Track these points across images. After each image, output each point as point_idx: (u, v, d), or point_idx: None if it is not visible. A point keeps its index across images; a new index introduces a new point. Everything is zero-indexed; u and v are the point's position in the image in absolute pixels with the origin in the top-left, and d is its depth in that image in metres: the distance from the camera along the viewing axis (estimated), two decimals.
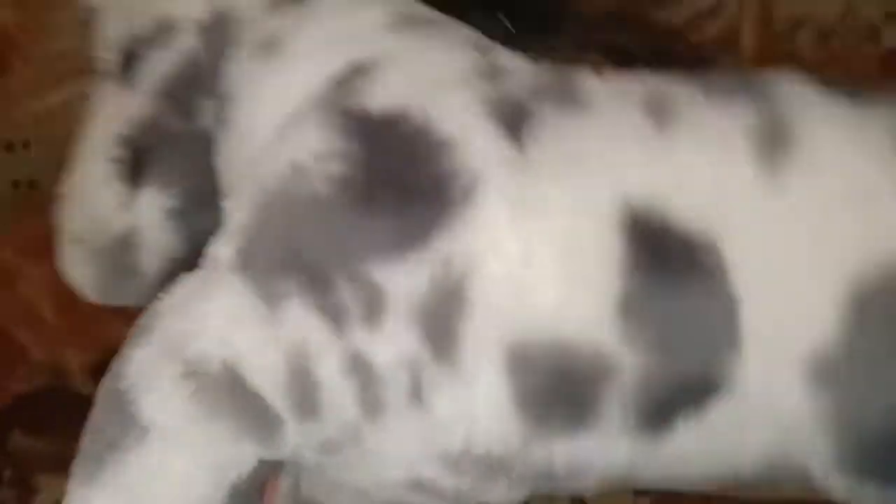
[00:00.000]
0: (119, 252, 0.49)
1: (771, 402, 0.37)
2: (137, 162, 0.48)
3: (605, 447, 0.38)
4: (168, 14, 0.47)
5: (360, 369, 0.38)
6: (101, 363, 1.00)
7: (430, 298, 0.37)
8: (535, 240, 0.37)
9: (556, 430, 0.38)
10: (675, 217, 0.36)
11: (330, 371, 0.38)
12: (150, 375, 0.39)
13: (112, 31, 0.49)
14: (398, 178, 0.39)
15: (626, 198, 0.36)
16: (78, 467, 0.40)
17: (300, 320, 0.38)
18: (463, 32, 0.44)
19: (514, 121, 0.39)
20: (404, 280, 0.37)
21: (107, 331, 0.90)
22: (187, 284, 0.41)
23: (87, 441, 0.40)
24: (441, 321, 0.37)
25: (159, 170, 0.47)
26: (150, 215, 0.47)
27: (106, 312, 0.97)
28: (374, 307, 0.37)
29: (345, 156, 0.39)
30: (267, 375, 0.38)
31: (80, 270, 0.50)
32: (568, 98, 0.39)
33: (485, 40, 0.44)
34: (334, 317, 0.38)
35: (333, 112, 0.40)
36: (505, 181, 0.38)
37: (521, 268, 0.37)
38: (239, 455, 0.39)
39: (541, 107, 0.39)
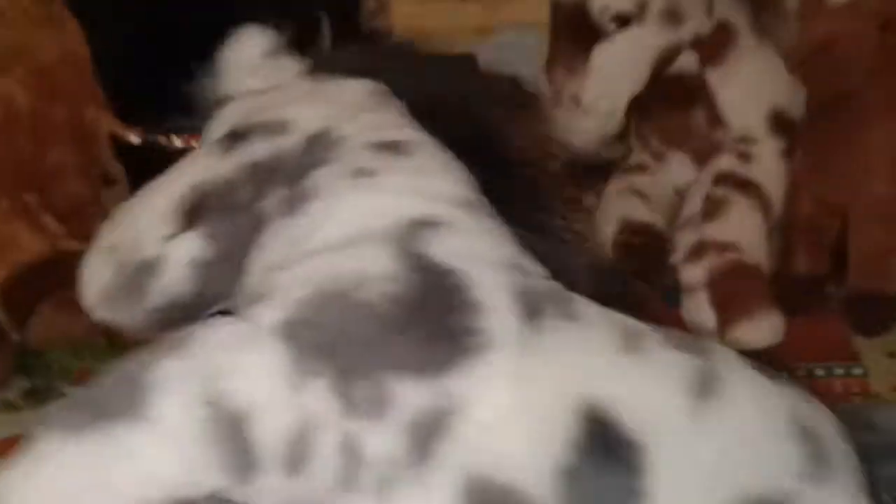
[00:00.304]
0: (140, 273, 0.55)
1: None
2: (197, 209, 0.55)
3: None
4: (288, 119, 0.57)
5: (351, 451, 0.46)
6: (12, 281, 0.87)
7: (425, 417, 0.45)
8: (518, 403, 0.46)
9: None
10: (621, 420, 0.46)
11: (327, 444, 0.46)
12: (177, 384, 0.46)
13: (233, 116, 0.59)
14: (436, 317, 0.47)
15: (589, 394, 0.46)
16: (62, 413, 0.47)
17: (321, 398, 0.46)
18: (506, 230, 0.54)
19: (531, 310, 0.48)
20: (411, 397, 0.46)
21: (17, 250, 0.81)
22: (232, 328, 0.48)
23: (84, 398, 0.47)
24: (425, 437, 0.45)
25: (209, 223, 0.55)
26: (181, 256, 0.54)
27: (20, 230, 0.85)
28: (380, 408, 0.46)
29: (401, 283, 0.48)
30: (273, 431, 0.45)
31: (97, 273, 0.57)
32: (566, 310, 0.49)
33: (518, 242, 0.54)
34: (348, 404, 0.46)
35: (403, 247, 0.49)
36: (512, 351, 0.47)
37: (501, 420, 0.46)
38: (204, 481, 0.46)
39: (550, 308, 0.49)
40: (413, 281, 0.48)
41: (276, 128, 0.56)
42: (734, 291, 0.86)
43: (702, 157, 0.97)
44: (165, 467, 0.45)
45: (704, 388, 0.47)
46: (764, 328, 0.84)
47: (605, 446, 0.46)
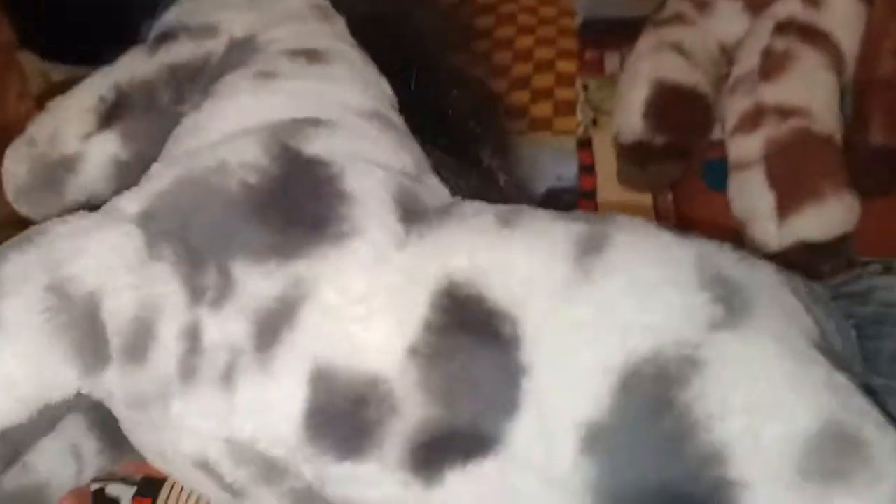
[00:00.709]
0: (58, 168, 0.57)
1: (545, 465, 0.41)
2: (117, 108, 0.57)
3: (378, 482, 0.43)
4: (218, 23, 0.58)
5: (192, 337, 0.45)
6: None
7: (271, 304, 0.44)
8: (372, 288, 0.44)
9: (333, 451, 0.43)
10: (488, 293, 0.43)
11: (168, 331, 0.45)
12: (21, 278, 0.45)
13: (169, 18, 0.60)
14: (298, 204, 0.46)
15: (452, 272, 0.44)
16: None
17: (165, 283, 0.45)
18: (415, 148, 0.53)
19: (412, 213, 0.47)
20: (258, 284, 0.45)
21: None
22: (83, 218, 0.48)
23: None
24: (271, 324, 0.44)
25: (129, 124, 0.57)
26: (100, 154, 0.56)
27: None
28: (224, 294, 0.45)
29: (264, 172, 0.47)
30: (116, 315, 0.45)
31: (17, 166, 0.58)
32: (447, 211, 0.48)
33: (425, 160, 0.53)
34: (192, 291, 0.45)
35: (275, 140, 0.48)
36: (376, 241, 0.45)
37: (351, 306, 0.44)
38: (62, 380, 0.45)
39: (431, 212, 0.47)
40: (277, 170, 0.46)
41: (204, 31, 0.57)
42: (799, 167, 0.69)
43: (757, 2, 0.78)
44: (18, 370, 0.44)
45: (588, 249, 0.43)
46: (835, 214, 0.68)
47: (466, 323, 0.42)
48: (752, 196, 0.71)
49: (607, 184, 0.83)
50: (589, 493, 0.40)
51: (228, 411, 0.44)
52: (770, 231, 0.69)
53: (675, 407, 0.39)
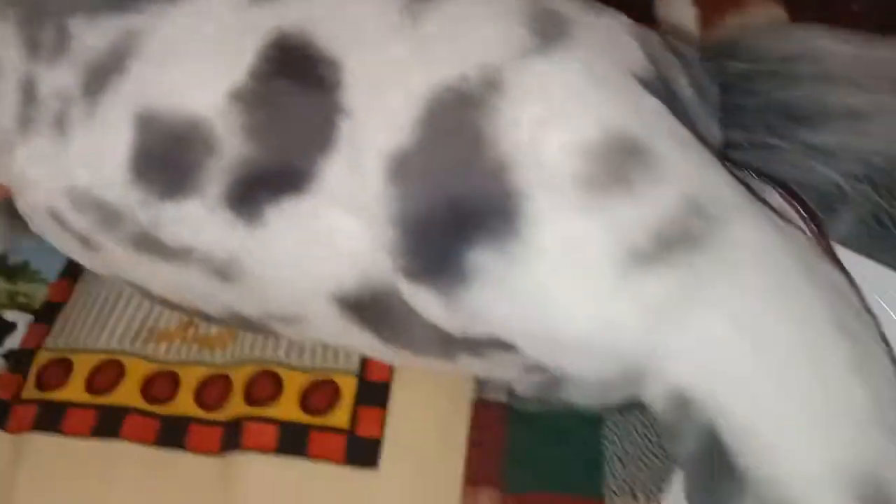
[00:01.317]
0: None
1: (356, 199, 0.43)
2: None
3: (204, 222, 0.45)
4: None
5: (27, 90, 0.47)
6: None
7: (102, 56, 0.46)
8: (201, 40, 0.45)
9: (159, 191, 0.45)
10: (317, 41, 0.44)
11: (7, 85, 0.47)
12: None
13: None
14: None
15: (286, 23, 0.45)
16: None
17: (6, 42, 0.47)
18: None
19: None
20: (91, 37, 0.46)
21: None
22: None
23: None
24: (100, 73, 0.46)
25: None
26: None
27: None
28: (59, 50, 0.46)
29: None
30: None
31: None
32: None
33: None
34: (31, 48, 0.47)
35: None
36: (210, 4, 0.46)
37: (177, 53, 0.45)
38: None
39: None
40: None
41: None
42: None
43: None
44: None
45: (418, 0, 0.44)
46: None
47: (290, 69, 0.44)
48: (674, 13, 0.66)
49: None
50: (391, 223, 0.41)
51: (64, 159, 0.46)
52: None
53: (470, 127, 0.40)
